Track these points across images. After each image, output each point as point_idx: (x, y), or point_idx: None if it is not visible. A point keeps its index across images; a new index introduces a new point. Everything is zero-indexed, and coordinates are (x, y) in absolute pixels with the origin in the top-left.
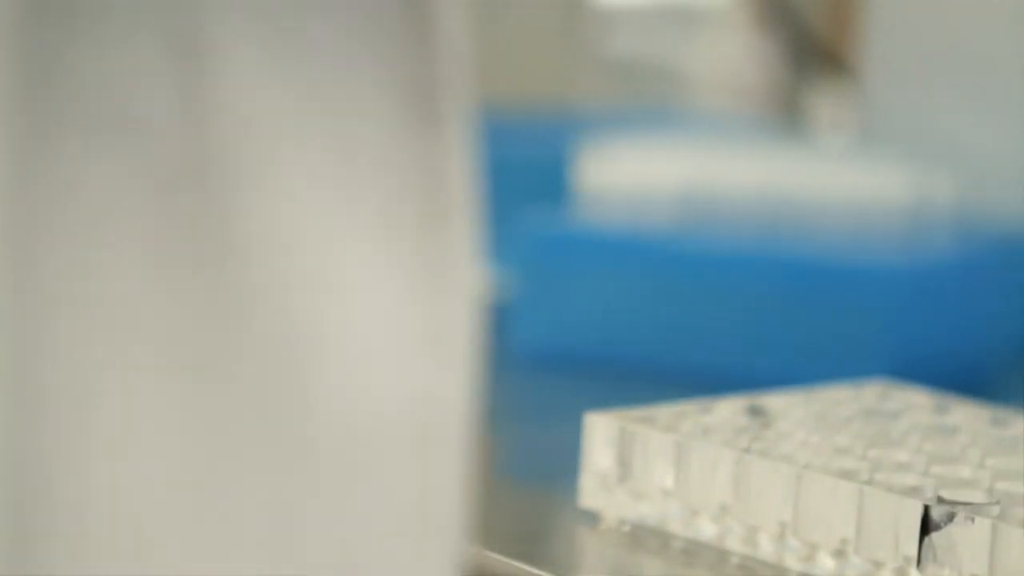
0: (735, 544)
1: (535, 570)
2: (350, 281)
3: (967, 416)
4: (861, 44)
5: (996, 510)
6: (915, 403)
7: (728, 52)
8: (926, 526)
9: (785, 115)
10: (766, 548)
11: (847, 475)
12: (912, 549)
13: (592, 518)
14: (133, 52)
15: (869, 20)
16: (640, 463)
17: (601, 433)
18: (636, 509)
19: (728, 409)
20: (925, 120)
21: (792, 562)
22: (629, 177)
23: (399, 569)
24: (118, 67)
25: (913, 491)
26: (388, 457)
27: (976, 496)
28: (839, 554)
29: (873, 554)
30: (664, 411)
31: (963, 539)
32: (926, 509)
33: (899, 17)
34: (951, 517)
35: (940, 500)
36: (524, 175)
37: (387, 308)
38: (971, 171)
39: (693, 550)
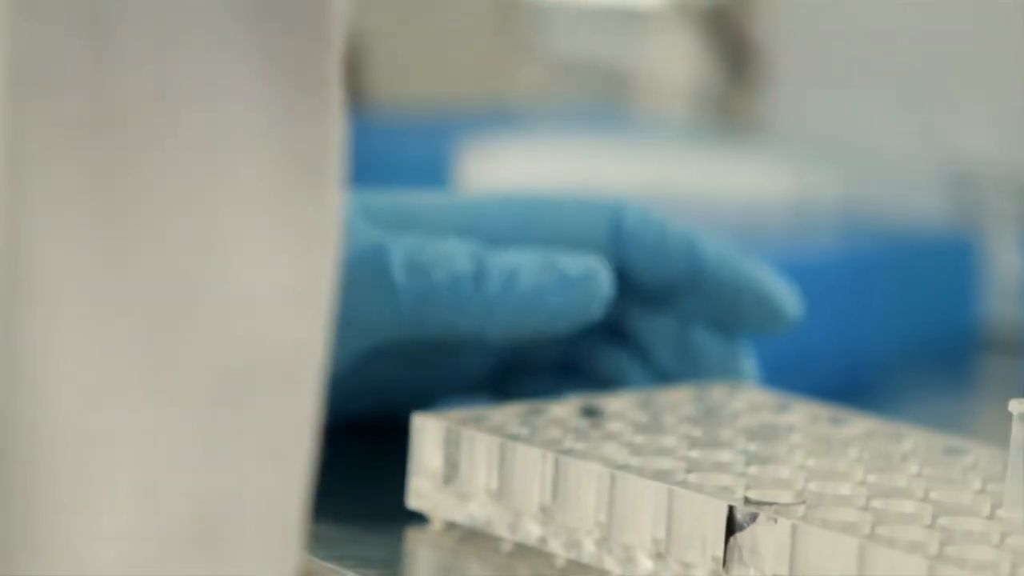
0: (558, 547)
1: (352, 573)
2: (231, 240)
3: (805, 417)
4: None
5: (801, 510)
6: (757, 404)
7: (663, 52)
8: (732, 527)
9: (718, 116)
10: (587, 551)
11: (661, 476)
12: (719, 550)
13: (420, 520)
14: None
15: (773, 21)
16: (466, 464)
17: (429, 433)
18: (463, 511)
19: (563, 410)
20: (822, 119)
21: (612, 565)
22: (509, 177)
23: (269, 501)
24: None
25: (722, 491)
26: (260, 399)
27: (785, 496)
28: (657, 556)
29: (684, 555)
30: (498, 411)
31: (766, 539)
32: (731, 510)
33: (800, 19)
34: (754, 518)
35: (747, 501)
36: (412, 174)
37: (264, 262)
38: (863, 170)
39: (518, 553)
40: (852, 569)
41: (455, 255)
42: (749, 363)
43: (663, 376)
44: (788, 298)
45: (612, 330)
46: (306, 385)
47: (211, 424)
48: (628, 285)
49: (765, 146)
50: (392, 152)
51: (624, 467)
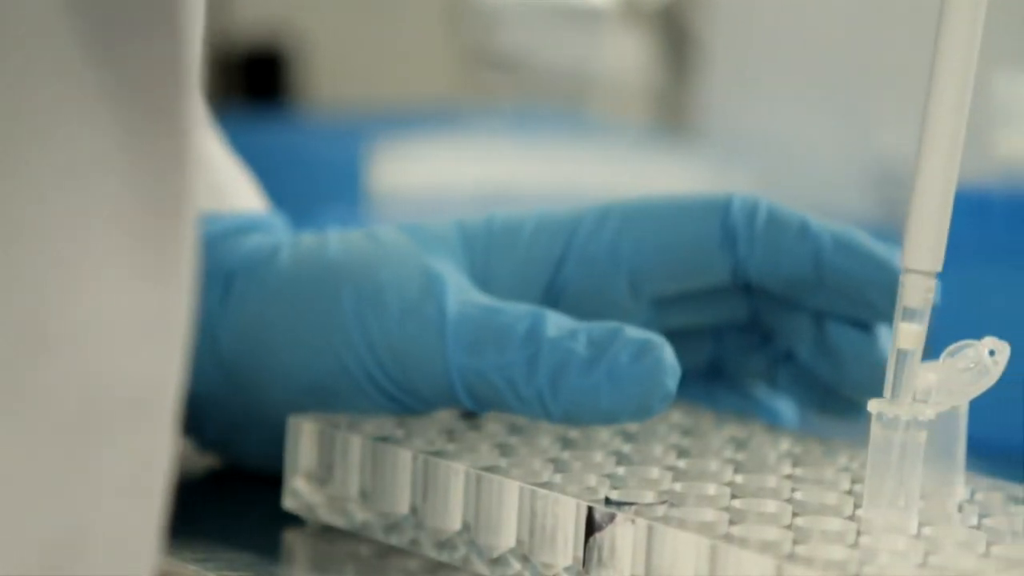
0: (429, 549)
1: (224, 574)
2: (82, 271)
3: (687, 418)
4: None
5: (660, 510)
6: None
7: (611, 52)
8: (591, 527)
9: (659, 115)
10: (456, 552)
11: (525, 476)
12: (580, 551)
13: (296, 521)
14: None
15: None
16: (340, 467)
17: (304, 435)
18: (338, 513)
19: (445, 413)
20: (751, 118)
21: (481, 567)
22: (421, 177)
23: (119, 536)
24: None
25: (585, 492)
26: (111, 434)
27: (648, 497)
28: (524, 557)
29: (547, 557)
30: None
31: (624, 540)
32: (590, 510)
33: (732, 21)
34: (612, 518)
35: (607, 501)
36: (329, 174)
37: (114, 297)
38: (791, 168)
39: (389, 555)
40: (704, 569)
41: (510, 334)
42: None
43: (807, 373)
44: None
45: (756, 327)
46: (159, 419)
47: (59, 459)
48: (752, 285)
49: (690, 145)
50: (309, 152)
51: (490, 468)
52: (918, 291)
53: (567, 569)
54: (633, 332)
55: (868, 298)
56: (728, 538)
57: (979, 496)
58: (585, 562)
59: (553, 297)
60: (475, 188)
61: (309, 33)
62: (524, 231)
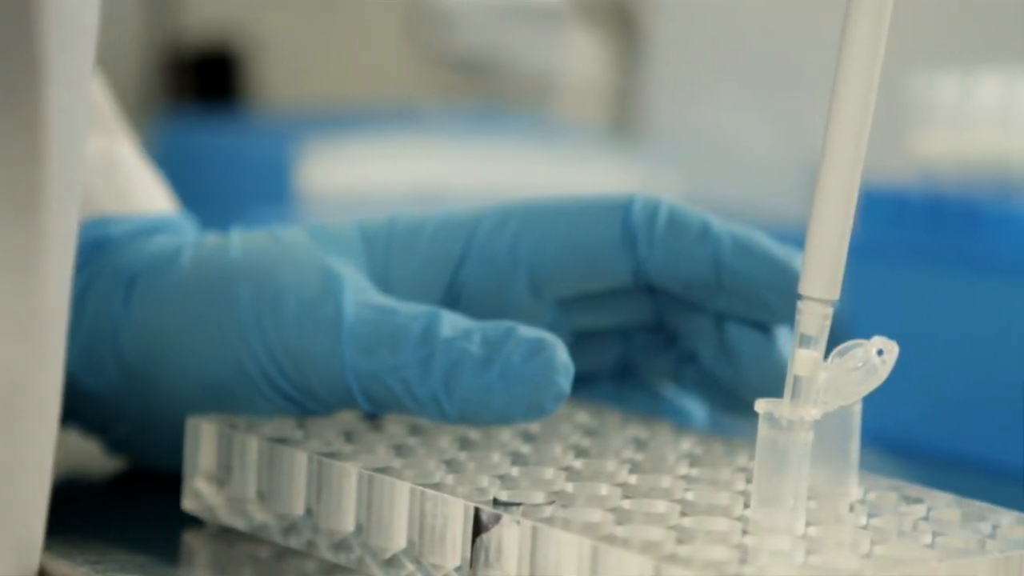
0: (325, 551)
1: None
2: None
3: (593, 418)
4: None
5: (547, 511)
6: (565, 409)
7: (566, 52)
8: (478, 528)
9: (617, 115)
10: (351, 554)
11: (417, 477)
12: (467, 552)
13: (198, 523)
14: None
15: (657, 22)
16: (238, 468)
17: (204, 436)
18: (236, 514)
19: (348, 414)
20: (690, 119)
21: (375, 568)
22: (352, 177)
23: None
24: None
25: (476, 493)
26: None
27: (538, 497)
28: (415, 559)
29: (437, 558)
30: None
31: (510, 541)
32: (477, 511)
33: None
34: (498, 519)
35: (495, 502)
36: (260, 175)
37: None
38: (726, 168)
39: (286, 557)
40: (586, 569)
41: (405, 335)
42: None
43: (711, 374)
44: None
45: (662, 328)
46: (19, 410)
47: None
48: (654, 286)
49: (637, 145)
50: (240, 153)
51: (382, 469)
52: (815, 318)
53: (457, 570)
54: (526, 332)
55: (766, 300)
56: (610, 539)
57: (872, 496)
58: (472, 563)
59: (454, 297)
60: (408, 189)
61: (264, 33)
62: (425, 231)
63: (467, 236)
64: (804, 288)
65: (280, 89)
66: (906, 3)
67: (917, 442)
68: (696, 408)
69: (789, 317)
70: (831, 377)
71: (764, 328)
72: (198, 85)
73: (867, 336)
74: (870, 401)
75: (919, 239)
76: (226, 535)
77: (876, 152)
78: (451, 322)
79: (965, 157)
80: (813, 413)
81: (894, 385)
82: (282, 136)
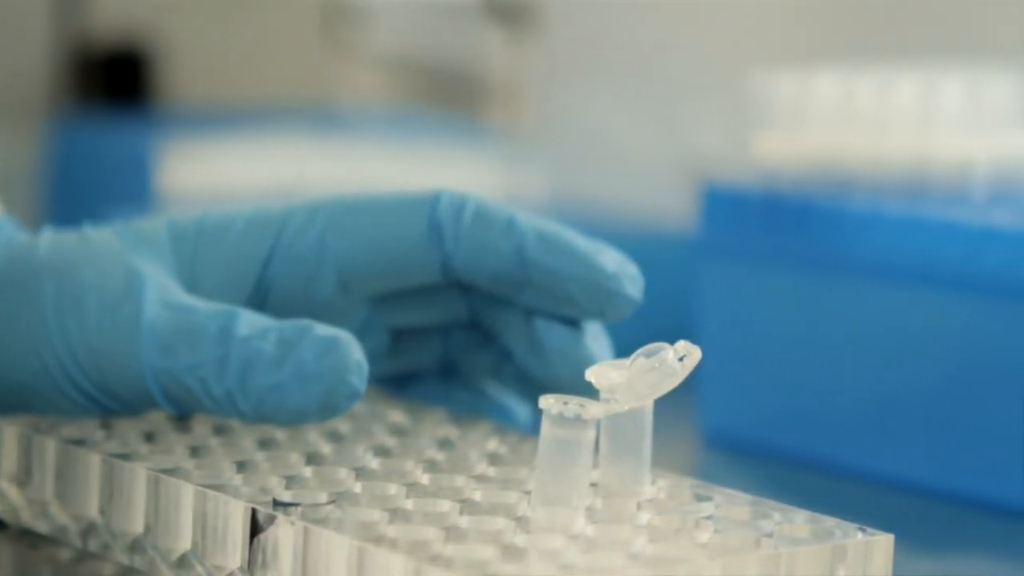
0: (119, 553)
1: None
2: None
3: (408, 418)
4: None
5: (324, 512)
6: (382, 409)
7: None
8: (255, 529)
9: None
10: (145, 556)
11: (208, 479)
12: (246, 553)
13: (0, 525)
14: None
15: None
16: (38, 469)
17: (7, 438)
18: (38, 516)
19: (157, 414)
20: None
21: (165, 570)
22: (208, 177)
23: None
24: None
25: (259, 494)
26: None
27: (321, 497)
28: (199, 560)
29: (219, 559)
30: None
31: (285, 542)
32: (253, 512)
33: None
34: (273, 520)
35: (274, 503)
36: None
37: None
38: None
39: (86, 560)
40: (354, 570)
41: (202, 333)
42: (601, 350)
43: (525, 373)
44: (621, 280)
45: (479, 325)
46: None
47: None
48: (463, 283)
49: (523, 143)
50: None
51: (169, 470)
52: None
53: (241, 570)
54: (322, 330)
55: (571, 295)
56: (377, 540)
57: (663, 495)
58: (250, 564)
59: (261, 295)
60: (267, 188)
61: (176, 32)
62: (234, 228)
63: (275, 233)
64: None
65: (194, 89)
66: (744, 4)
67: (759, 441)
68: (518, 406)
69: (595, 312)
70: (629, 378)
71: (572, 323)
72: (107, 85)
73: (709, 335)
74: (711, 400)
75: (757, 238)
76: (29, 537)
77: (717, 152)
78: (249, 321)
79: (803, 156)
80: (595, 412)
81: (735, 383)
82: (148, 135)
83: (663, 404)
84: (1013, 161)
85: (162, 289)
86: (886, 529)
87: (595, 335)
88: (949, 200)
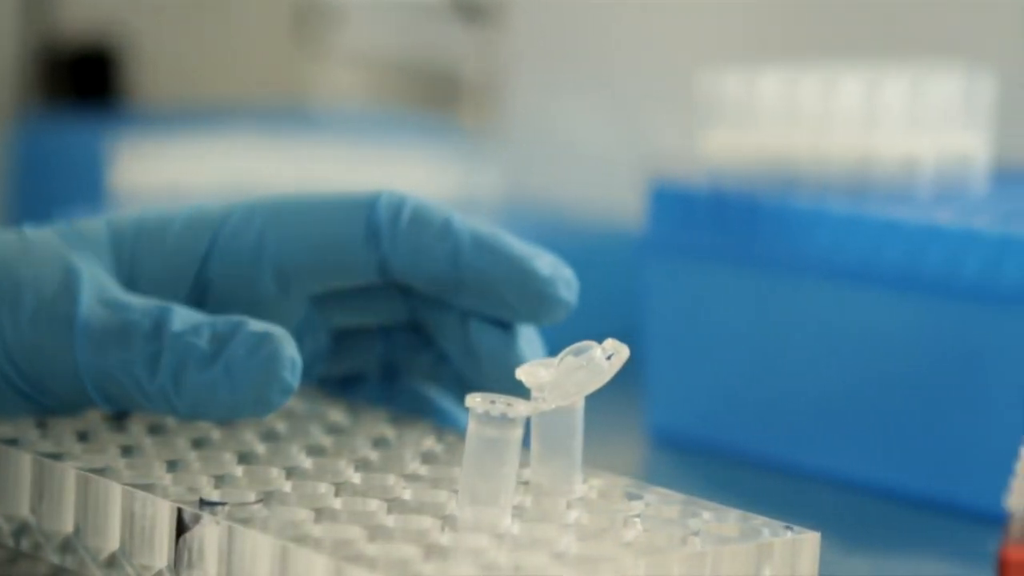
0: (51, 553)
1: None
2: None
3: (347, 418)
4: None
5: (249, 511)
6: (322, 409)
7: (447, 49)
8: (181, 528)
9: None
10: (76, 556)
11: (136, 478)
12: (172, 552)
13: None
14: None
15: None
16: None
17: None
18: None
19: (94, 413)
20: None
21: (95, 570)
22: (162, 176)
23: None
24: None
25: (186, 493)
26: None
27: (249, 497)
28: (128, 560)
29: (146, 559)
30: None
31: (210, 541)
32: (179, 512)
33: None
34: (198, 519)
35: (201, 502)
36: (72, 174)
37: None
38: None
39: (18, 560)
40: (277, 569)
41: (135, 330)
42: (533, 353)
43: (461, 375)
44: (555, 283)
45: (419, 327)
46: None
47: None
48: (399, 284)
49: (491, 145)
50: (56, 151)
51: (98, 470)
52: None
53: (168, 569)
54: (255, 326)
55: (504, 298)
56: (300, 539)
57: (594, 494)
58: (176, 563)
59: (200, 293)
60: (223, 187)
61: (146, 32)
62: (173, 226)
63: (213, 231)
64: None
65: (165, 89)
66: (693, 3)
67: (705, 440)
68: (458, 408)
69: (529, 315)
70: (557, 376)
71: (506, 326)
72: (75, 85)
73: (658, 332)
74: (657, 398)
75: (704, 236)
76: None
77: (671, 151)
78: (182, 317)
79: (750, 154)
80: (522, 410)
81: (682, 382)
82: (106, 134)
83: (610, 403)
84: (956, 160)
85: (99, 287)
86: (824, 528)
87: (528, 338)
88: (893, 198)
